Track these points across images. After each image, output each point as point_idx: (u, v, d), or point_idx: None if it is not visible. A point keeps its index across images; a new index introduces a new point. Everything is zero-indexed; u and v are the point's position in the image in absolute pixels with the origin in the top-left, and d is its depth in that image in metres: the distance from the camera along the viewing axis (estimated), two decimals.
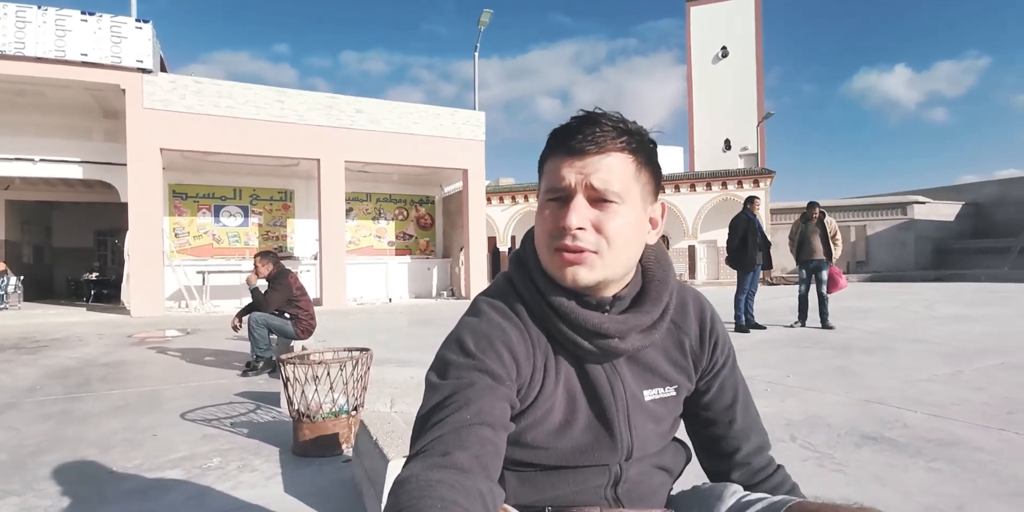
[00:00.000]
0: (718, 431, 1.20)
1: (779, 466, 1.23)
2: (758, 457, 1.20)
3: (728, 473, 1.20)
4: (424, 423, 0.88)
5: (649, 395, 1.11)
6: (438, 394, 0.91)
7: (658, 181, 1.08)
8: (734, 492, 1.14)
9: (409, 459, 0.82)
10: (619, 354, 1.07)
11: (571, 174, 0.98)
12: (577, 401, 1.06)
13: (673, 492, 1.24)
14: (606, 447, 1.06)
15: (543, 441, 1.03)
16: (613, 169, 0.98)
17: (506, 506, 1.02)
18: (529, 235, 1.13)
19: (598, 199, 0.98)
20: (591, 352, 1.04)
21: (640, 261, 1.11)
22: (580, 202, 0.97)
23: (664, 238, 28.11)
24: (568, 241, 0.97)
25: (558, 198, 1.00)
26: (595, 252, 0.98)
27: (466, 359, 0.95)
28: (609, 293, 1.05)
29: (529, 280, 1.08)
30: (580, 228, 0.96)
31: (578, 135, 0.98)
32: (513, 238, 29.05)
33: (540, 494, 1.07)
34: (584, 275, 0.99)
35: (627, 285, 1.08)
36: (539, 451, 1.04)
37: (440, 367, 0.96)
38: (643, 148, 1.02)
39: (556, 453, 1.04)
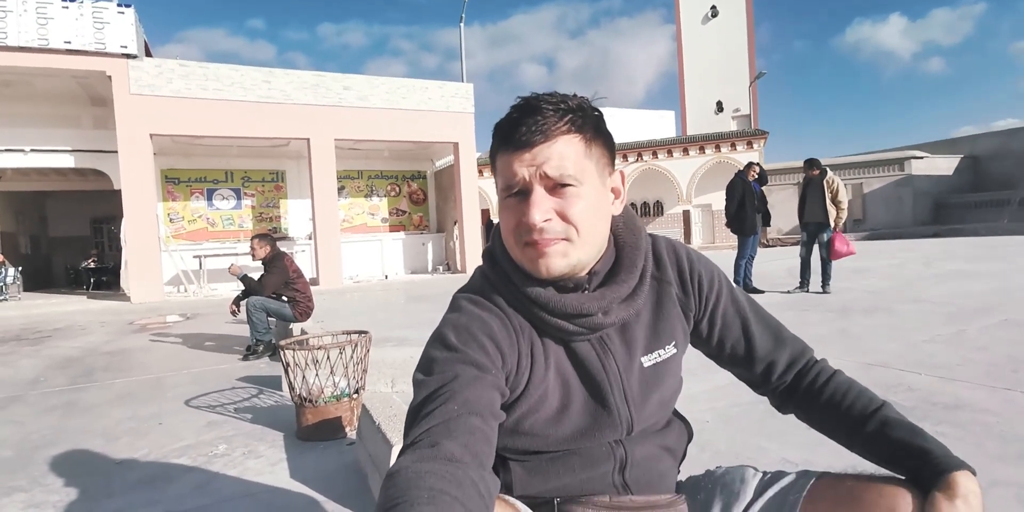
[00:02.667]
0: (744, 361, 1.19)
1: (816, 362, 1.20)
2: (795, 368, 1.18)
3: (777, 391, 1.20)
4: (413, 417, 0.89)
5: (648, 361, 1.11)
6: (425, 389, 0.91)
7: (611, 151, 1.07)
8: (755, 473, 1.15)
9: (401, 452, 0.83)
10: (605, 328, 1.07)
11: (523, 168, 0.97)
12: (571, 384, 1.07)
13: (682, 477, 1.24)
14: (606, 425, 1.06)
15: (541, 428, 1.04)
16: (564, 154, 0.97)
17: (510, 498, 1.02)
18: (496, 230, 1.12)
19: (556, 186, 0.97)
20: (577, 332, 1.05)
21: (610, 230, 1.10)
22: (539, 194, 0.97)
23: (658, 204, 28.12)
24: (536, 235, 0.97)
25: (516, 193, 1.00)
26: (565, 239, 0.98)
27: (449, 353, 0.95)
28: (584, 272, 1.06)
29: (503, 274, 1.08)
30: (546, 220, 0.96)
31: (521, 127, 0.97)
32: None
33: (547, 483, 1.08)
34: (557, 263, 0.99)
35: (600, 259, 1.08)
36: (539, 438, 1.05)
37: (425, 365, 0.97)
38: (588, 122, 1.01)
39: (557, 438, 1.05)
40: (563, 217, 0.97)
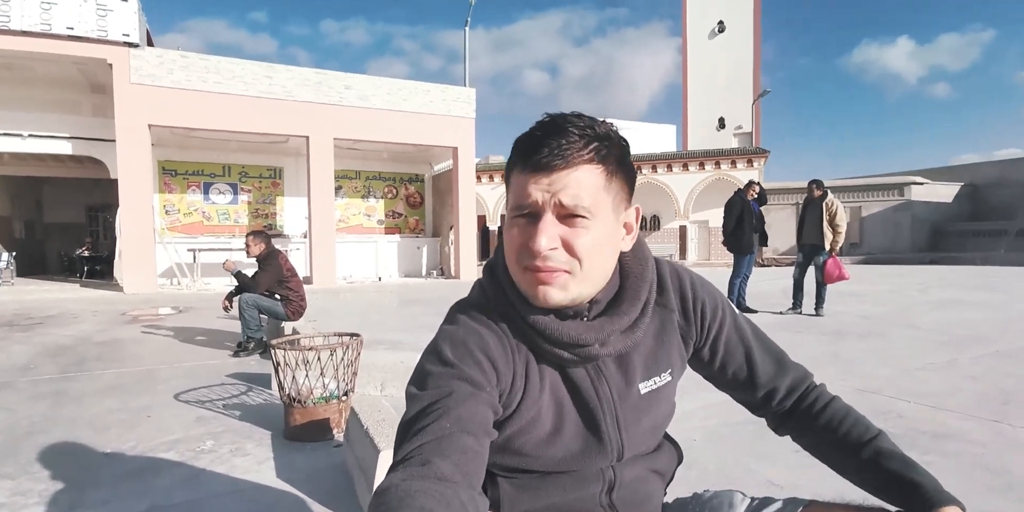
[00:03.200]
0: (745, 387, 1.18)
1: (815, 387, 1.19)
2: (796, 393, 1.18)
3: (775, 414, 1.20)
4: (405, 433, 0.87)
5: (644, 388, 1.09)
6: (418, 404, 0.90)
7: (631, 185, 1.04)
8: (743, 498, 1.16)
9: (391, 469, 0.82)
10: (601, 358, 1.05)
11: (538, 192, 0.94)
12: (564, 408, 1.05)
13: (668, 499, 1.24)
14: (596, 452, 1.06)
15: (532, 450, 1.03)
16: (582, 184, 0.94)
17: None
18: (501, 246, 1.10)
19: (568, 215, 0.94)
20: (572, 361, 1.04)
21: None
22: (549, 221, 0.94)
23: (655, 218, 28.17)
24: (539, 262, 0.95)
25: (526, 214, 0.97)
26: (567, 271, 0.96)
27: (444, 368, 0.94)
28: (582, 302, 1.03)
29: (503, 294, 1.06)
30: (552, 248, 0.94)
31: (543, 149, 0.93)
32: (503, 217, 28.97)
33: (535, 502, 1.07)
34: (555, 295, 0.97)
35: (603, 287, 1.05)
36: (529, 458, 1.04)
37: (419, 378, 0.95)
38: (613, 153, 0.97)
39: (547, 460, 1.05)
40: (568, 248, 0.95)
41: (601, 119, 1.00)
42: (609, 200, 0.98)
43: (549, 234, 0.93)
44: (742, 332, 1.17)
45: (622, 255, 1.09)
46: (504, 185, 1.03)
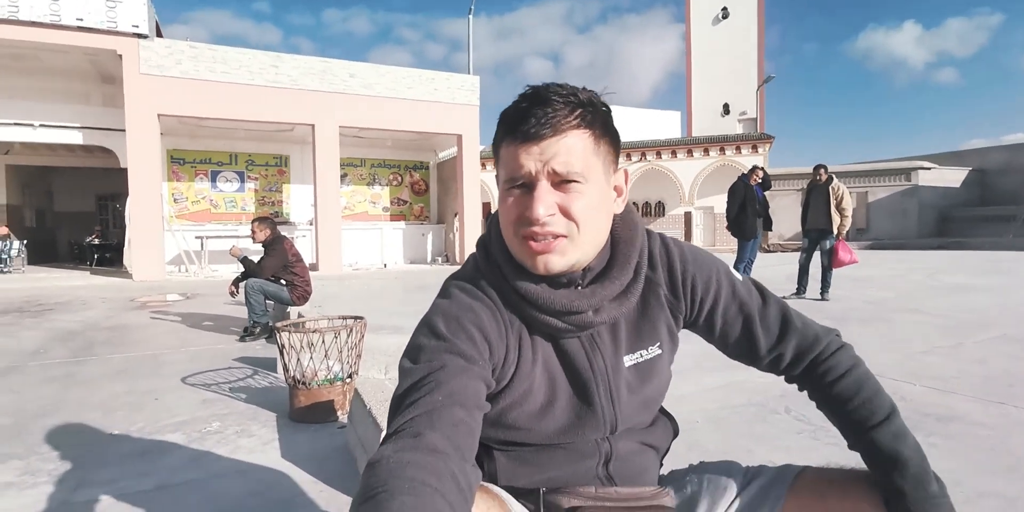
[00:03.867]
0: (747, 356, 1.17)
1: (833, 353, 1.13)
2: (806, 357, 1.13)
3: (790, 377, 1.18)
4: (397, 406, 0.88)
5: (630, 360, 1.10)
6: (411, 377, 0.90)
7: (617, 148, 1.04)
8: (739, 467, 1.17)
9: (383, 441, 0.82)
10: (595, 326, 1.06)
11: (530, 161, 0.95)
12: (557, 381, 1.06)
13: (664, 471, 1.25)
14: (589, 424, 1.06)
15: (525, 422, 1.04)
16: (572, 149, 0.94)
17: (493, 487, 1.03)
18: (494, 219, 1.10)
19: (561, 181, 0.95)
20: (566, 329, 1.04)
21: None
22: (544, 189, 0.95)
23: (660, 204, 28.10)
24: (537, 229, 0.95)
25: (520, 185, 0.98)
26: (565, 236, 0.97)
27: (437, 342, 0.94)
28: (579, 268, 1.04)
29: (495, 266, 1.06)
30: (549, 215, 0.94)
31: (531, 119, 0.94)
32: None
33: (531, 475, 1.08)
34: (556, 261, 0.98)
35: (597, 255, 1.05)
36: (522, 431, 1.05)
37: (412, 352, 0.96)
38: (598, 118, 0.98)
39: (540, 433, 1.05)
40: (565, 213, 0.96)
41: (582, 87, 1.00)
42: (599, 163, 0.99)
43: (546, 202, 0.94)
44: (742, 301, 1.14)
45: (612, 223, 1.09)
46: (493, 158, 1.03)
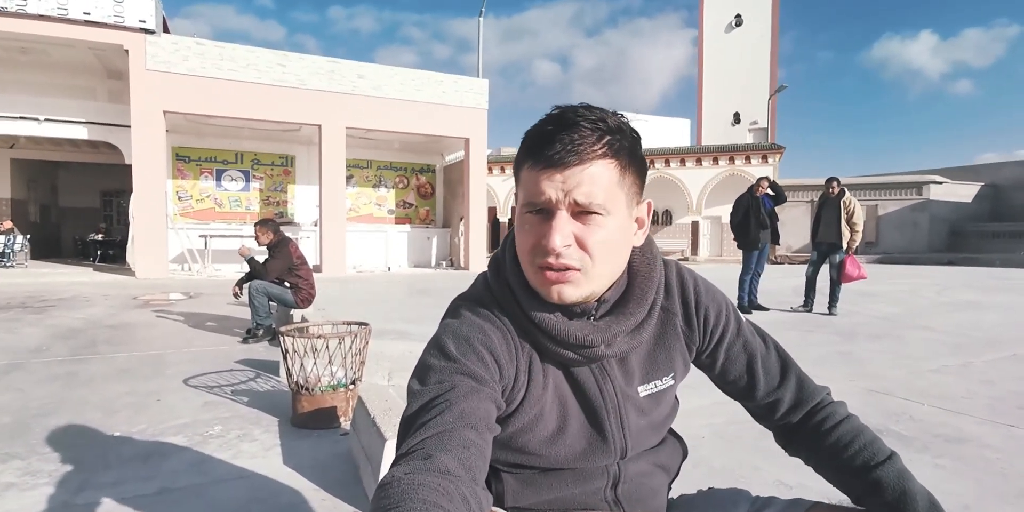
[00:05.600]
0: (745, 396, 1.16)
1: (828, 405, 1.14)
2: (803, 408, 1.14)
3: (782, 429, 1.17)
4: (408, 427, 0.87)
5: (644, 391, 1.09)
6: (421, 399, 0.89)
7: (643, 178, 1.01)
8: (748, 496, 1.15)
9: (394, 462, 0.81)
10: (606, 359, 1.04)
11: (551, 189, 0.92)
12: (568, 407, 1.05)
13: (674, 494, 1.23)
14: (599, 450, 1.05)
15: (536, 448, 1.03)
16: (596, 180, 0.91)
17: (499, 511, 1.03)
18: (509, 240, 1.08)
19: (581, 212, 0.93)
20: (577, 361, 1.03)
21: None
22: (563, 219, 0.92)
23: (667, 213, 28.08)
24: (552, 259, 0.93)
25: (539, 211, 0.95)
26: (579, 269, 0.94)
27: (447, 363, 0.93)
28: (593, 299, 1.02)
29: (508, 291, 1.04)
30: (566, 246, 0.92)
31: (556, 144, 0.91)
32: (513, 209, 28.93)
33: (539, 496, 1.07)
34: (570, 293, 0.96)
35: (612, 286, 1.03)
36: (532, 457, 1.04)
37: (422, 372, 0.94)
38: (625, 146, 0.95)
39: (551, 459, 1.04)
40: (582, 245, 0.93)
41: (611, 111, 0.97)
42: (623, 195, 0.96)
43: (563, 232, 0.92)
44: (746, 340, 1.15)
45: (631, 253, 1.07)
46: (513, 178, 1.00)
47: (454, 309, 1.07)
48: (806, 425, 1.13)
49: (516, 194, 1.01)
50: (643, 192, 1.03)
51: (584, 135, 0.91)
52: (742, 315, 1.18)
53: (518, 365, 1.01)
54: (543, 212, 0.94)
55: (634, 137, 0.98)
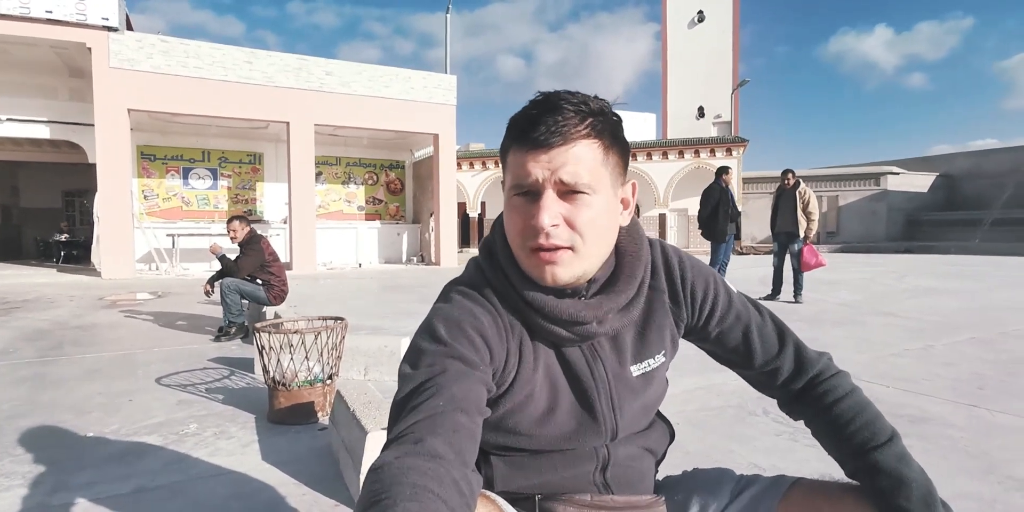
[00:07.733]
0: (742, 366, 1.18)
1: (832, 376, 1.15)
2: (804, 377, 1.15)
3: (785, 397, 1.18)
4: (399, 411, 0.87)
5: (638, 369, 1.10)
6: (411, 382, 0.89)
7: (626, 159, 1.03)
8: (732, 475, 1.18)
9: (384, 447, 0.81)
10: (598, 337, 1.06)
11: (537, 169, 0.94)
12: (559, 387, 1.06)
13: (660, 477, 1.25)
14: (590, 431, 1.06)
15: (526, 428, 1.04)
16: (581, 159, 0.94)
17: (491, 494, 1.03)
18: (499, 222, 1.09)
19: (568, 192, 0.94)
20: (570, 339, 1.04)
21: None
22: (550, 198, 0.94)
23: (635, 207, 28.25)
24: (542, 239, 0.94)
25: (526, 192, 0.97)
26: (570, 248, 0.96)
27: (438, 346, 0.93)
28: (584, 279, 1.03)
29: (501, 272, 1.06)
30: (553, 225, 0.94)
31: (540, 126, 0.93)
32: (483, 204, 29.04)
33: (528, 480, 1.08)
34: (562, 273, 0.97)
35: (601, 267, 1.05)
36: (523, 437, 1.04)
37: (413, 356, 0.94)
38: (608, 128, 0.97)
39: (541, 439, 1.05)
40: (570, 224, 0.95)
41: (593, 95, 1.00)
42: (607, 175, 0.98)
43: (551, 211, 0.94)
44: (738, 310, 1.16)
45: (618, 233, 1.09)
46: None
47: (446, 293, 1.08)
48: (808, 395, 1.15)
49: (503, 180, 1.03)
50: (627, 174, 1.05)
51: (568, 117, 0.94)
52: (732, 287, 1.20)
53: (508, 347, 1.02)
54: (530, 194, 0.96)
55: (616, 120, 1.00)
